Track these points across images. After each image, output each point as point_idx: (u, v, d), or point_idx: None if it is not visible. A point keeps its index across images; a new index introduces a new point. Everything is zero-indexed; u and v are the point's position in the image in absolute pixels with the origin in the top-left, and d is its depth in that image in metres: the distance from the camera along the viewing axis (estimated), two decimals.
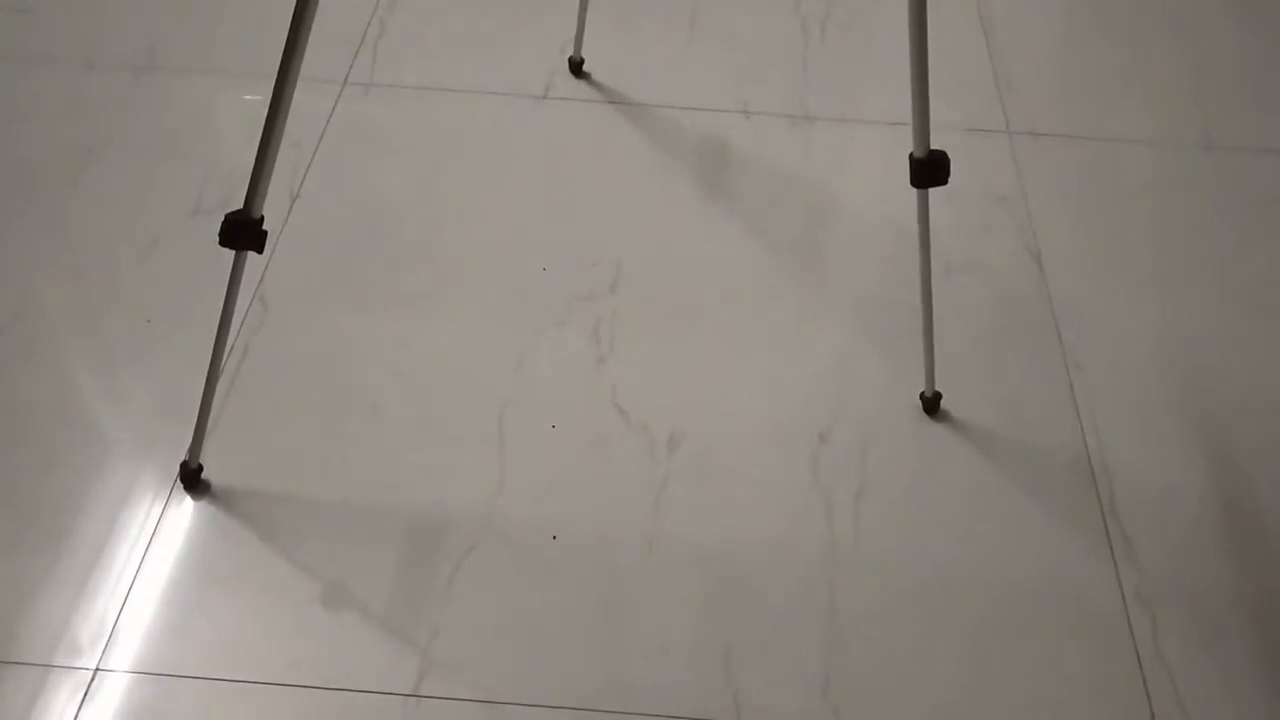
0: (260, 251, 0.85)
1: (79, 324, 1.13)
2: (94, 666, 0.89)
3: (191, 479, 1.00)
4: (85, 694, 0.88)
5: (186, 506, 1.00)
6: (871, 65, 1.50)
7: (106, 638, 0.91)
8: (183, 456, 1.00)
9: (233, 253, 0.85)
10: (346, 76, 1.43)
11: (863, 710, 0.90)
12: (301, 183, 1.28)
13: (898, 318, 1.17)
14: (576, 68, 1.44)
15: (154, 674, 0.89)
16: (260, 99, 1.14)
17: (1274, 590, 0.99)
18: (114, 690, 0.88)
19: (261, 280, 1.17)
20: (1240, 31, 1.58)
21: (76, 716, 0.86)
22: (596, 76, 1.45)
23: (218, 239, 0.83)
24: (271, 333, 1.12)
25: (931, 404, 1.10)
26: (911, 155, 0.93)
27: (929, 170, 0.93)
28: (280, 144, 0.81)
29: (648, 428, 1.08)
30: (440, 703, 0.89)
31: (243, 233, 0.82)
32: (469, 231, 1.25)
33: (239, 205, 0.84)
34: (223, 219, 0.82)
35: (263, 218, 0.83)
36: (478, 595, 0.95)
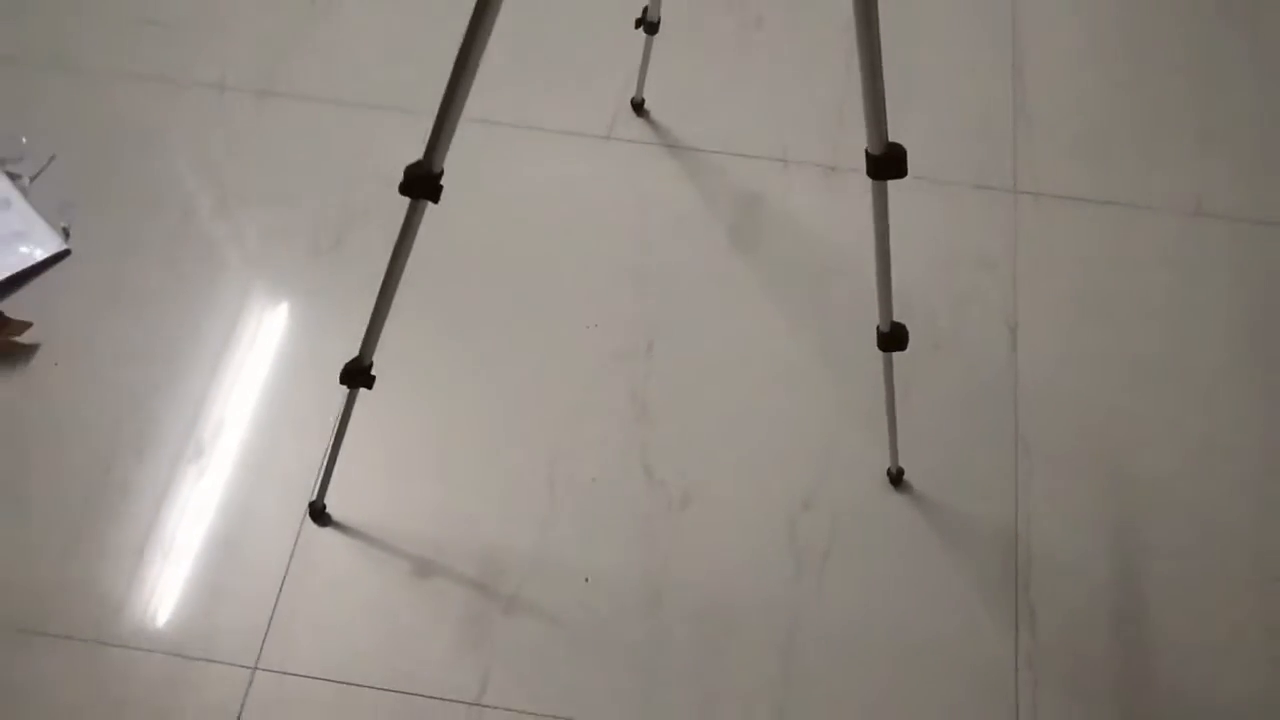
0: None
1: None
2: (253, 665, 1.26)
3: (318, 515, 1.33)
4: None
5: (314, 533, 1.33)
6: (905, 116, 1.66)
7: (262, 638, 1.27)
8: (311, 498, 1.34)
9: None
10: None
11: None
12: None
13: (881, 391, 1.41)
14: (638, 107, 1.64)
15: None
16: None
17: (1141, 672, 1.27)
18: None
19: None
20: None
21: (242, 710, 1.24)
22: (655, 115, 1.65)
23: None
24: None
25: (895, 478, 1.37)
26: (878, 328, 1.14)
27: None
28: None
29: (666, 486, 1.37)
30: (498, 712, 1.24)
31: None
32: (525, 283, 1.51)
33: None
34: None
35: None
36: (528, 622, 1.28)
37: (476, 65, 0.86)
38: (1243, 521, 1.36)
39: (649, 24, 1.42)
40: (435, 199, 0.97)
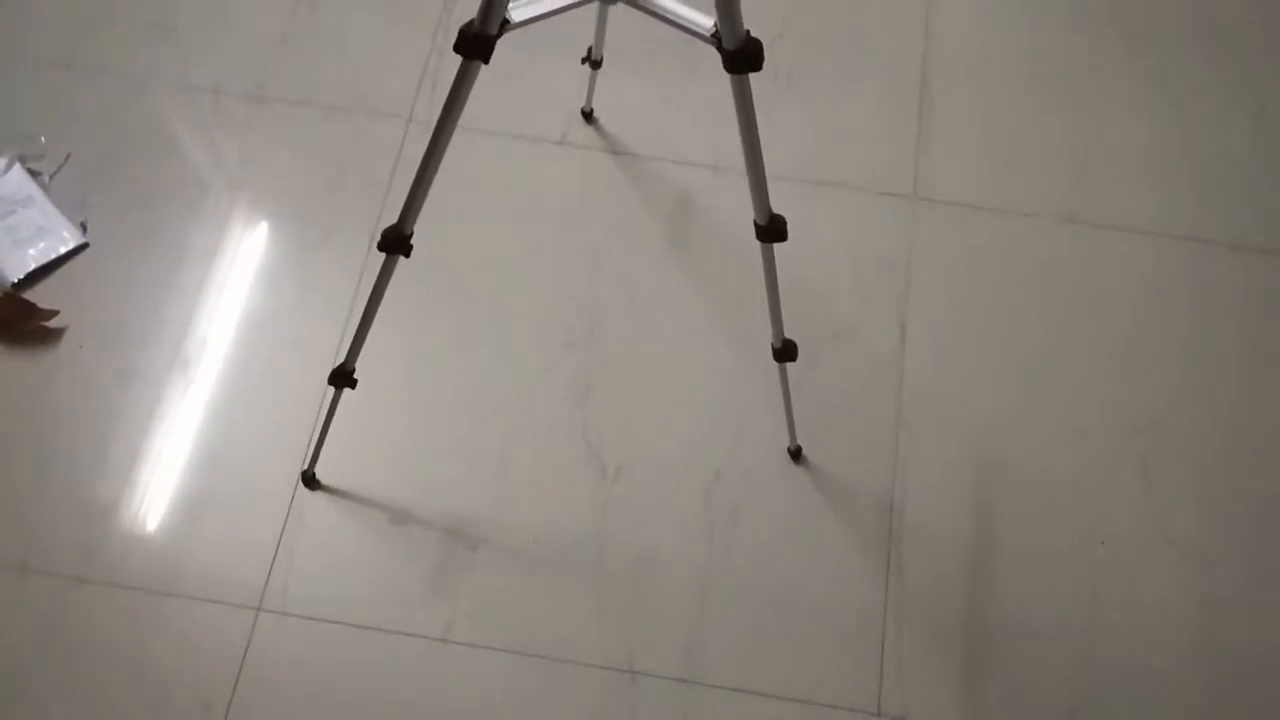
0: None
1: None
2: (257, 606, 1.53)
3: (310, 481, 1.59)
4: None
5: (306, 496, 1.60)
6: (816, 124, 1.88)
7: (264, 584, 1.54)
8: (304, 467, 1.59)
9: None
10: (410, 113, 1.86)
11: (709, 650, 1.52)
12: (380, 223, 1.77)
13: (795, 376, 1.67)
14: (588, 116, 1.86)
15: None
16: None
17: (985, 618, 1.56)
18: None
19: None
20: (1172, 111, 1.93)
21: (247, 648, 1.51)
22: (604, 124, 1.87)
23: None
24: None
25: (795, 454, 1.63)
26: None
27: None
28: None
29: (602, 458, 1.63)
30: (463, 648, 1.52)
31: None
32: (484, 276, 1.75)
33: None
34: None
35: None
36: (486, 574, 1.56)
37: (444, 151, 1.09)
38: (1081, 494, 1.63)
39: (593, 61, 1.64)
40: (407, 255, 1.21)
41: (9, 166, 1.77)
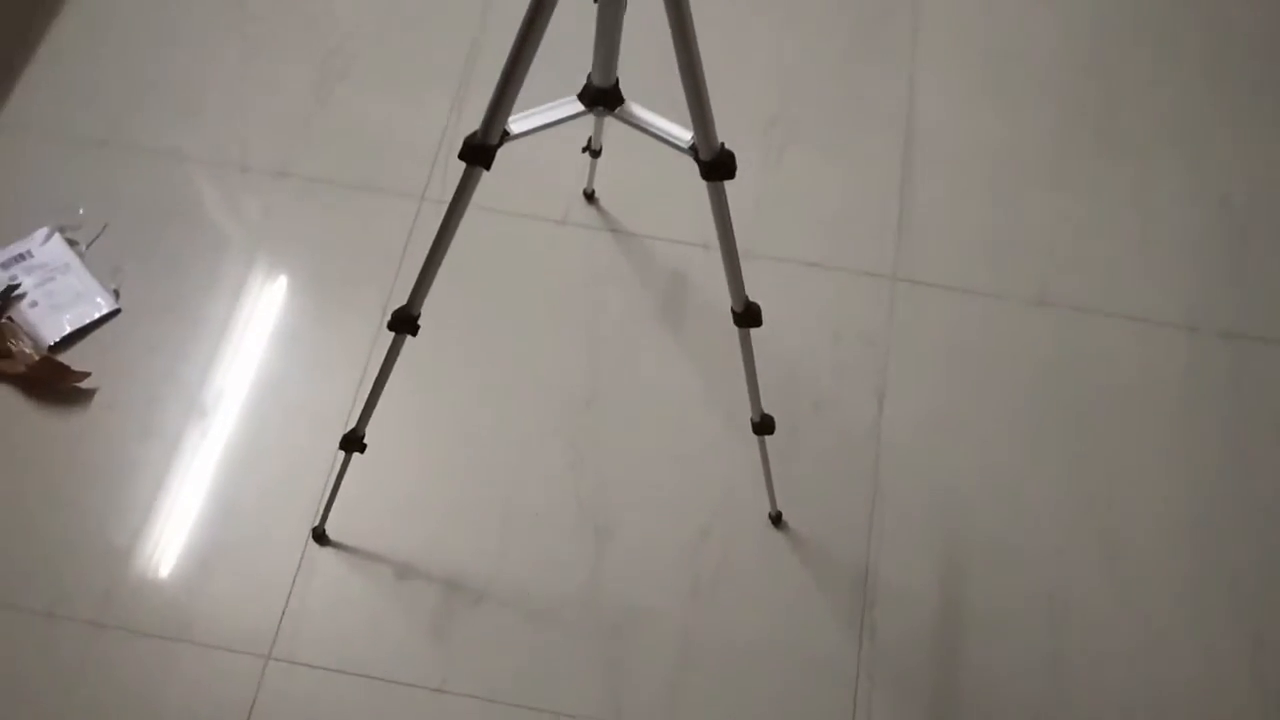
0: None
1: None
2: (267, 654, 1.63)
3: (320, 537, 1.70)
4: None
5: (316, 551, 1.70)
6: (803, 210, 2.00)
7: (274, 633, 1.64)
8: (314, 524, 1.70)
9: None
10: (424, 192, 1.99)
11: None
12: (392, 296, 1.89)
13: (778, 443, 1.77)
14: (589, 197, 1.98)
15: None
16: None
17: (953, 679, 1.65)
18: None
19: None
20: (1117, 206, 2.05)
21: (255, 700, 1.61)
22: (604, 204, 1.99)
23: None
24: None
25: (776, 519, 1.74)
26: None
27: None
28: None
29: (594, 518, 1.74)
30: (458, 698, 1.61)
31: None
32: (488, 345, 1.87)
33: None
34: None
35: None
36: (483, 627, 1.66)
37: (449, 244, 1.21)
38: (1048, 563, 1.73)
39: (593, 150, 1.76)
40: (414, 334, 1.32)
41: (49, 236, 1.90)
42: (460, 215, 1.18)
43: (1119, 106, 2.14)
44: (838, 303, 1.92)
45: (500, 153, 1.12)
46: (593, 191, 1.98)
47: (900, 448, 1.80)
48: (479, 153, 1.12)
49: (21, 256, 1.88)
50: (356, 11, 2.19)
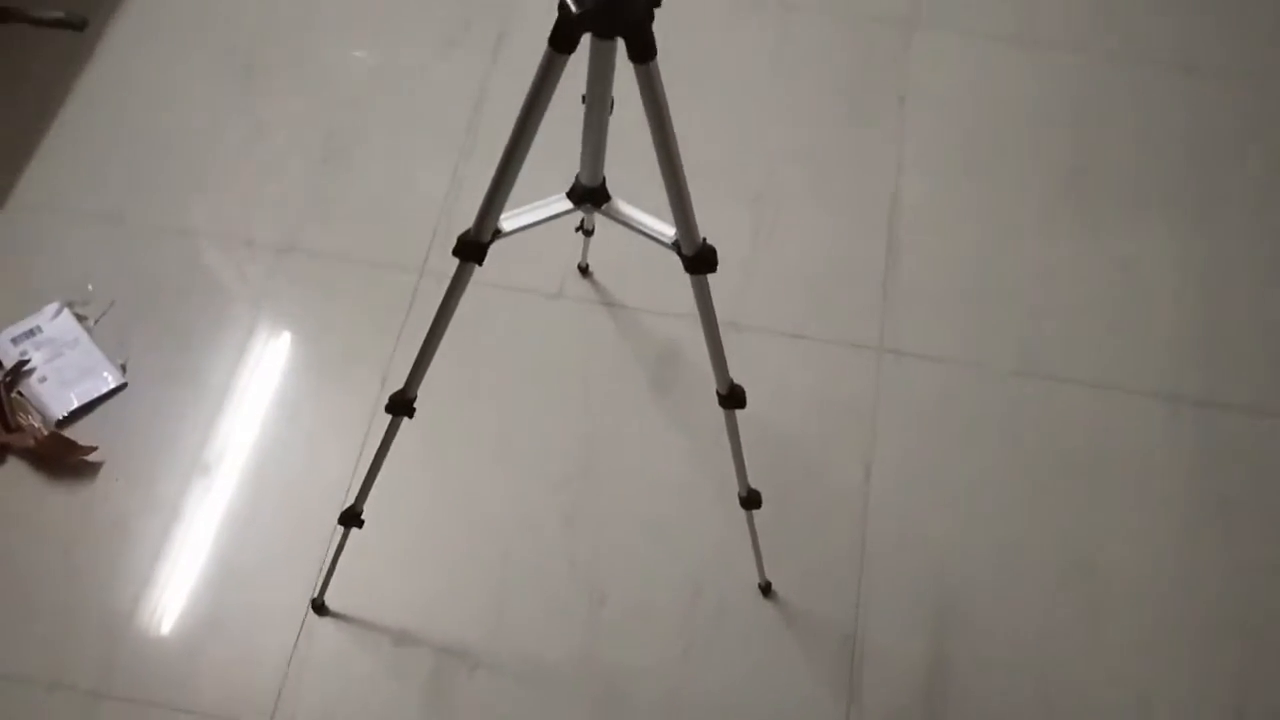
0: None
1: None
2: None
3: (319, 608, 1.74)
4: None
5: (317, 620, 1.74)
6: (790, 282, 2.06)
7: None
8: (313, 595, 1.74)
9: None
10: (423, 266, 2.05)
11: None
12: (391, 368, 1.94)
13: (767, 511, 1.81)
14: (584, 271, 2.04)
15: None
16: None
17: None
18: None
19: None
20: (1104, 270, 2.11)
21: None
22: (598, 277, 2.05)
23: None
24: None
25: (765, 589, 1.78)
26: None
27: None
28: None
29: (589, 584, 1.78)
30: None
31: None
32: (486, 416, 1.92)
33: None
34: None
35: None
36: (480, 692, 1.69)
37: (443, 334, 1.26)
38: (1032, 627, 1.76)
39: (586, 230, 1.83)
40: (410, 416, 1.38)
41: (59, 311, 1.96)
42: (454, 307, 1.24)
43: (1099, 178, 2.21)
44: (824, 373, 1.97)
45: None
46: (587, 266, 2.04)
47: (887, 516, 1.85)
48: (472, 249, 1.18)
49: (32, 332, 1.94)
50: (359, 87, 2.26)
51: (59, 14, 2.30)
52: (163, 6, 2.35)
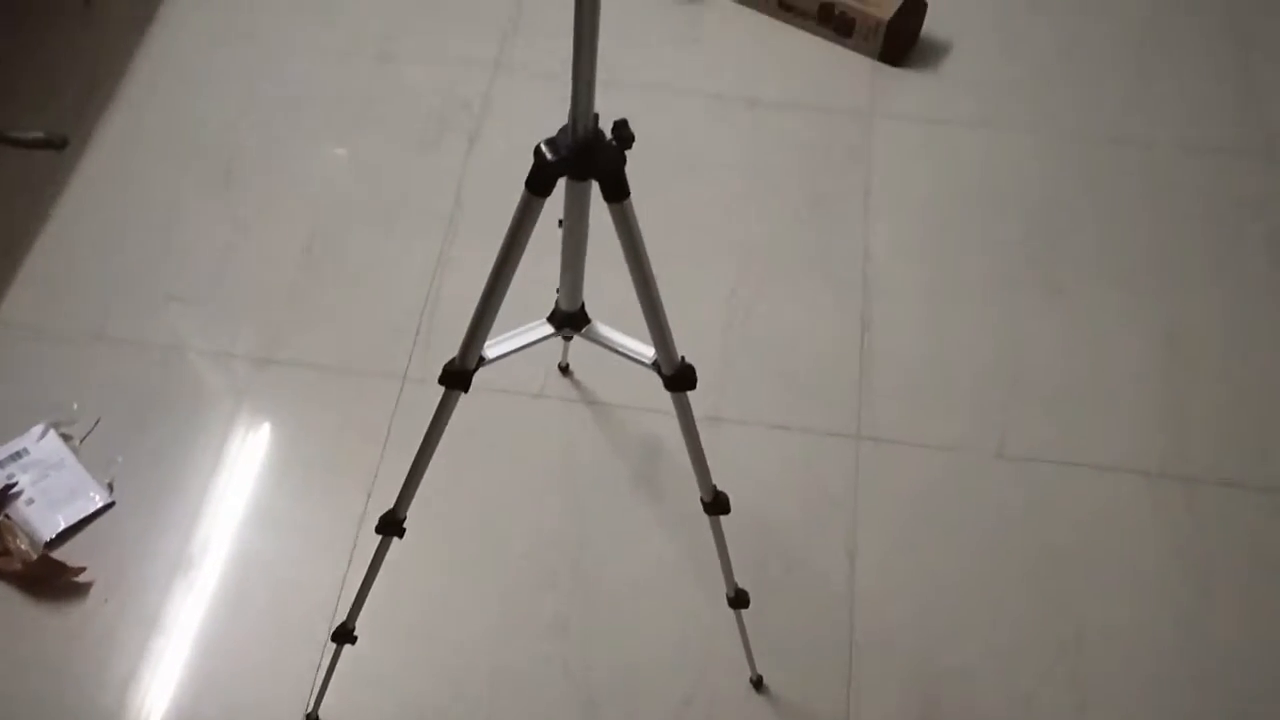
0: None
1: None
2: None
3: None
4: None
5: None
6: (769, 374, 2.10)
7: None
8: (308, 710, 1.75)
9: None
10: (405, 372, 2.08)
11: None
12: (377, 477, 1.96)
13: (755, 606, 1.83)
14: (565, 370, 2.08)
15: None
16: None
17: None
18: None
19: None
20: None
21: None
22: (579, 376, 2.08)
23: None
24: None
25: (757, 684, 1.79)
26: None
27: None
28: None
29: (580, 688, 1.79)
30: None
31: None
32: (471, 515, 1.94)
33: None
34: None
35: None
36: None
37: (429, 461, 1.29)
38: (1020, 708, 1.78)
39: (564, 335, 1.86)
40: (400, 536, 1.40)
41: (45, 433, 1.98)
42: (441, 433, 1.27)
43: (1061, 255, 2.26)
44: (804, 463, 2.00)
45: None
46: (567, 365, 2.07)
47: (874, 603, 1.87)
48: (457, 378, 1.21)
49: (18, 454, 1.95)
50: (337, 193, 2.30)
51: (39, 134, 2.34)
52: (141, 120, 2.40)
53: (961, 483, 1.99)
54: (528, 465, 2.00)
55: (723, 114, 2.47)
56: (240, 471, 1.98)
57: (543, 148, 1.01)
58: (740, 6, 2.63)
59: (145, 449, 1.99)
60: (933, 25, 2.58)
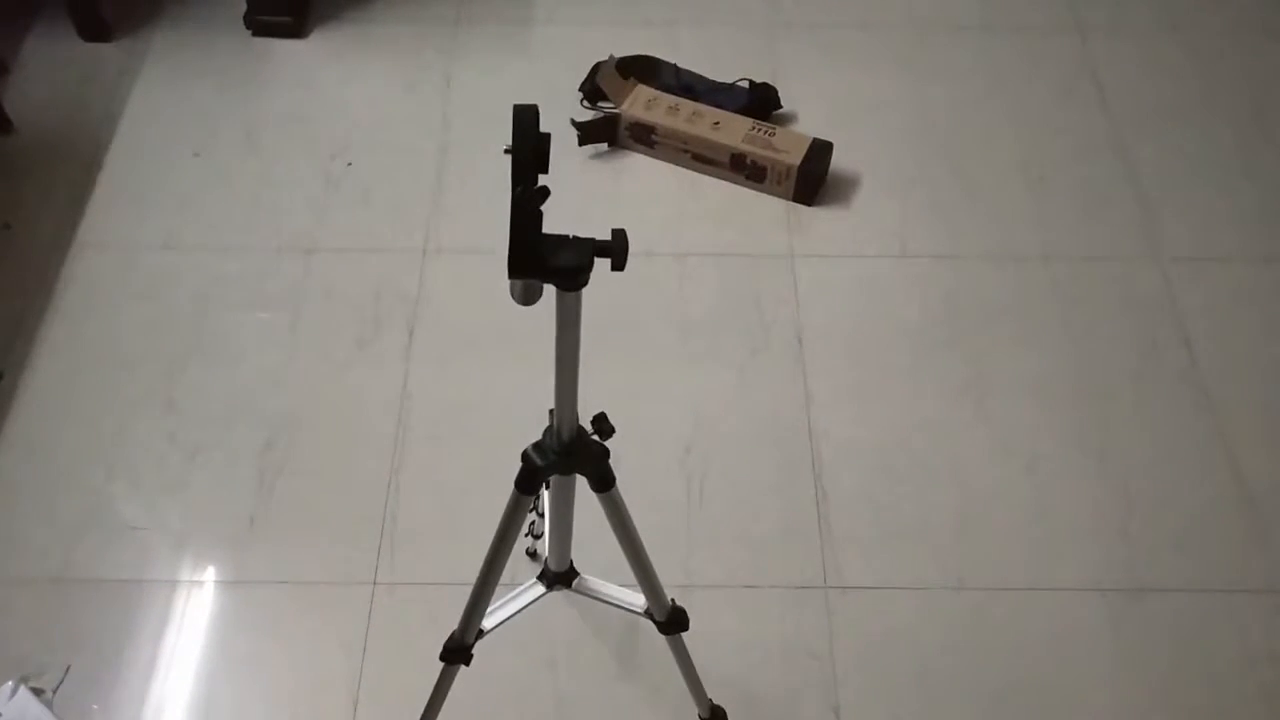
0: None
1: None
2: None
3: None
4: None
5: None
6: (727, 540, 2.16)
7: None
8: None
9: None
10: (374, 577, 2.09)
11: None
12: (359, 684, 1.96)
13: None
14: (533, 556, 2.11)
15: None
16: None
17: None
18: None
19: None
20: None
21: None
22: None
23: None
24: None
25: None
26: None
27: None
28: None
29: None
30: None
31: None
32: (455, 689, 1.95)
33: None
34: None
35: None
36: None
37: None
38: None
39: (534, 534, 1.90)
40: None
41: (15, 690, 1.94)
42: (440, 706, 1.30)
43: (990, 380, 2.37)
44: (777, 620, 2.05)
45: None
46: (536, 551, 2.10)
47: None
48: (458, 654, 1.24)
49: None
50: (284, 400, 2.31)
51: None
52: (74, 349, 2.39)
53: (930, 620, 2.06)
54: (505, 654, 2.01)
55: (649, 268, 2.53)
56: (218, 699, 1.97)
57: (531, 453, 1.06)
58: (655, 160, 2.72)
59: (118, 689, 1.97)
60: (841, 161, 2.70)
